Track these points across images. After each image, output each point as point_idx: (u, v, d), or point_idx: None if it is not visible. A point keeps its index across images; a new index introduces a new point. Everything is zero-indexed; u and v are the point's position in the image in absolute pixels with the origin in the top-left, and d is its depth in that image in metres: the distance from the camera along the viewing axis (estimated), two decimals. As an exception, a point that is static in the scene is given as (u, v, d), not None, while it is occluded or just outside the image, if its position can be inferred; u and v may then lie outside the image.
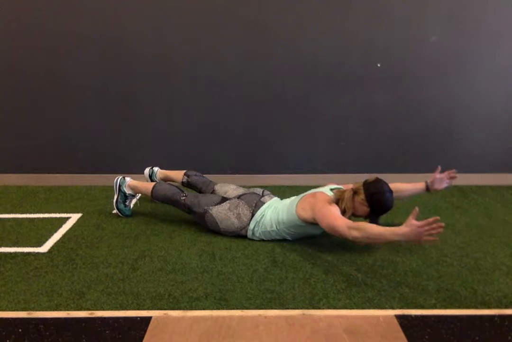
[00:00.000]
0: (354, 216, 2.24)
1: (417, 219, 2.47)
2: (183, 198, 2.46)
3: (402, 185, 2.43)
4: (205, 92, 3.05)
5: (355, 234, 1.97)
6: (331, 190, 2.31)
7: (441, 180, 2.40)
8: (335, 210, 2.14)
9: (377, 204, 2.15)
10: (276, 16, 2.89)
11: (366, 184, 2.20)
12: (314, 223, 2.20)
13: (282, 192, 3.01)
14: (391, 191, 2.18)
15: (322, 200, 2.20)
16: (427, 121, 3.12)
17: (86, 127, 3.13)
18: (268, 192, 2.55)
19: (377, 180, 2.20)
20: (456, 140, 3.17)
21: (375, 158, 3.20)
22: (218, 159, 3.20)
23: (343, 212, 2.18)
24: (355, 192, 2.20)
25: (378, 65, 2.99)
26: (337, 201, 2.21)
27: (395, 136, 3.15)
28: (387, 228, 1.92)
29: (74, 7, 2.86)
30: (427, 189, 2.42)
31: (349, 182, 2.39)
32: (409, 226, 1.81)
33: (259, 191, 2.53)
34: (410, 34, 2.93)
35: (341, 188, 2.34)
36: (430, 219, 1.77)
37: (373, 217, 2.19)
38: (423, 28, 2.91)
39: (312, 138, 3.16)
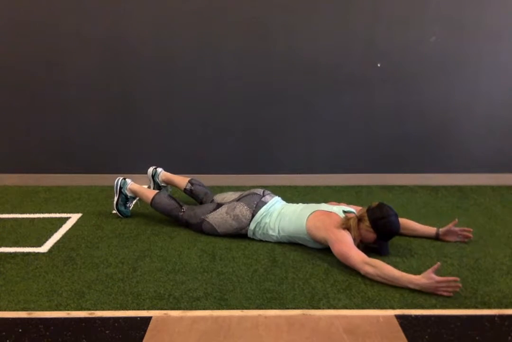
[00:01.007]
0: (361, 243, 2.20)
1: (422, 219, 2.49)
2: (181, 213, 2.46)
3: (413, 224, 2.39)
4: (205, 92, 3.05)
5: (369, 270, 1.96)
6: (344, 212, 2.28)
7: (454, 233, 2.35)
8: (349, 238, 2.11)
9: (382, 229, 2.13)
10: (276, 16, 2.88)
11: (369, 210, 2.17)
12: (321, 242, 2.19)
13: (282, 192, 3.01)
14: (396, 215, 2.16)
15: (336, 223, 2.17)
16: (427, 121, 3.12)
17: (86, 127, 3.13)
18: (269, 192, 2.53)
19: (380, 205, 2.18)
20: (456, 140, 3.16)
21: (375, 158, 3.20)
22: (218, 159, 3.20)
23: (353, 240, 2.14)
24: (359, 219, 2.17)
25: (378, 65, 2.99)
26: (347, 228, 2.17)
27: (395, 136, 3.15)
28: (404, 274, 1.91)
29: (74, 7, 2.86)
30: (437, 236, 2.36)
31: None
32: (428, 279, 1.86)
33: (259, 191, 2.50)
34: (410, 34, 2.92)
35: (352, 212, 2.30)
36: (450, 278, 1.84)
37: (380, 242, 2.18)
38: (423, 28, 2.91)
39: (312, 138, 3.16)
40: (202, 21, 2.90)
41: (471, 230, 2.35)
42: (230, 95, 3.06)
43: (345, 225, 2.17)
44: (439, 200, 2.97)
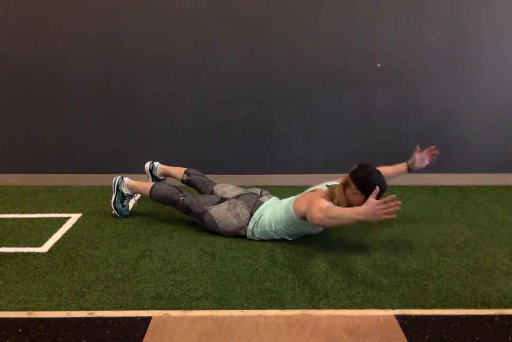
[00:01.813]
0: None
1: (422, 219, 2.50)
2: (182, 198, 2.46)
3: (386, 170, 2.41)
4: (206, 92, 3.05)
5: (319, 215, 2.00)
6: (327, 186, 2.33)
7: (421, 158, 2.43)
8: (326, 203, 2.13)
9: (369, 187, 2.13)
10: (277, 16, 2.89)
11: (351, 173, 2.22)
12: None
13: (282, 192, 3.01)
14: (378, 171, 2.19)
15: (319, 194, 2.22)
16: (427, 121, 3.12)
17: (86, 127, 3.13)
18: (267, 192, 2.56)
19: (360, 165, 2.22)
20: (456, 140, 3.17)
21: (375, 158, 3.17)
22: (218, 159, 3.20)
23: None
24: (345, 185, 2.22)
25: (378, 65, 2.99)
26: (331, 199, 2.21)
27: (395, 136, 3.15)
28: (349, 208, 1.95)
29: (74, 6, 2.86)
30: (409, 169, 2.46)
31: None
32: (368, 204, 1.86)
33: (257, 191, 2.54)
34: (410, 34, 2.93)
35: (336, 184, 2.34)
36: (387, 197, 1.82)
37: None
38: (423, 28, 2.91)
39: (311, 138, 3.16)
40: (202, 21, 2.90)
41: (434, 146, 2.42)
42: (230, 95, 3.07)
43: (330, 194, 2.21)
44: (439, 200, 2.97)
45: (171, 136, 3.15)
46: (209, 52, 2.97)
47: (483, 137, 3.15)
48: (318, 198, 2.17)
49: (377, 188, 1.90)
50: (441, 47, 2.95)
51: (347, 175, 2.25)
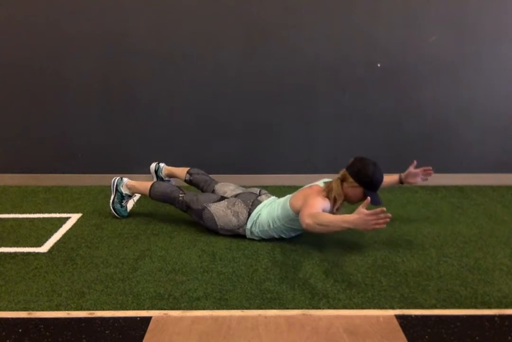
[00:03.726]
0: (351, 204, 2.25)
1: (422, 219, 2.50)
2: (182, 195, 2.46)
3: None
4: (206, 92, 3.05)
5: (308, 220, 1.98)
6: (325, 183, 2.33)
7: (415, 174, 2.44)
8: (320, 204, 2.12)
9: (366, 178, 2.15)
10: (277, 16, 2.89)
11: (348, 167, 2.22)
12: None
13: (282, 192, 3.00)
14: (374, 163, 2.20)
15: (316, 191, 2.22)
16: (427, 121, 3.12)
17: (86, 127, 3.13)
18: (266, 192, 2.56)
19: (357, 158, 2.23)
20: (456, 140, 3.17)
21: (375, 158, 3.18)
22: (218, 159, 3.20)
23: (334, 202, 2.20)
24: (342, 180, 2.22)
25: (378, 65, 2.99)
26: (327, 193, 2.22)
27: (395, 136, 3.15)
28: (338, 216, 1.95)
29: (75, 6, 2.86)
30: (401, 181, 2.47)
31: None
32: (358, 214, 1.84)
33: (256, 190, 2.54)
34: (410, 34, 2.93)
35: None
36: (378, 210, 1.80)
37: (370, 194, 2.16)
38: (423, 28, 2.91)
39: (312, 138, 3.16)
40: (202, 21, 2.90)
41: (431, 167, 2.42)
42: (230, 95, 3.07)
43: (327, 189, 2.21)
44: (439, 200, 2.97)
45: (171, 136, 3.15)
46: (210, 52, 2.97)
47: (483, 137, 3.15)
48: (314, 197, 2.17)
49: (368, 198, 1.88)
50: (441, 47, 2.95)
51: (343, 170, 2.26)
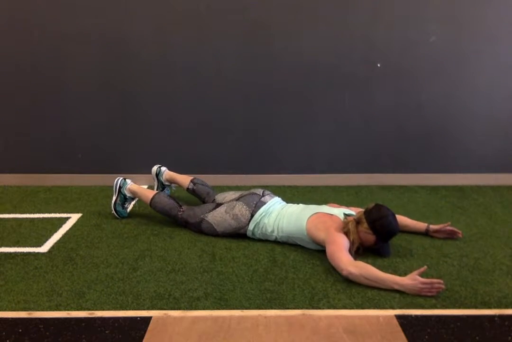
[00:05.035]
0: (362, 247, 2.18)
1: (422, 219, 2.50)
2: (180, 213, 2.46)
3: (405, 220, 2.41)
4: (206, 93, 3.05)
5: (352, 270, 1.93)
6: (345, 215, 2.28)
7: (444, 232, 2.38)
8: (345, 241, 2.10)
9: (381, 229, 2.12)
10: (277, 16, 2.89)
11: (366, 212, 2.17)
12: (320, 243, 2.18)
13: (282, 192, 3.01)
14: (393, 214, 2.16)
15: (337, 226, 2.17)
16: (427, 121, 3.12)
17: (86, 127, 3.13)
18: (269, 192, 2.53)
19: (377, 206, 2.18)
20: (456, 140, 3.16)
21: (375, 158, 3.20)
22: (218, 159, 3.20)
23: (352, 244, 2.14)
24: (357, 222, 2.17)
25: (378, 65, 2.99)
26: (346, 233, 2.16)
27: (395, 136, 3.15)
28: (389, 275, 1.92)
29: (75, 7, 2.86)
30: (427, 232, 2.40)
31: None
32: (412, 280, 1.86)
33: (259, 191, 2.50)
34: (410, 34, 2.93)
35: (353, 214, 2.29)
36: (434, 280, 1.85)
37: (381, 243, 2.17)
38: (423, 28, 2.91)
39: (312, 138, 3.16)
40: (202, 21, 2.90)
41: (460, 232, 2.38)
42: (230, 95, 3.06)
43: (346, 228, 2.16)
44: (439, 200, 2.97)
45: (171, 136, 3.15)
46: (209, 52, 2.96)
47: (483, 137, 3.15)
48: (338, 234, 2.12)
49: (425, 267, 1.89)
50: (441, 47, 2.95)
51: (361, 211, 2.22)
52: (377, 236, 2.14)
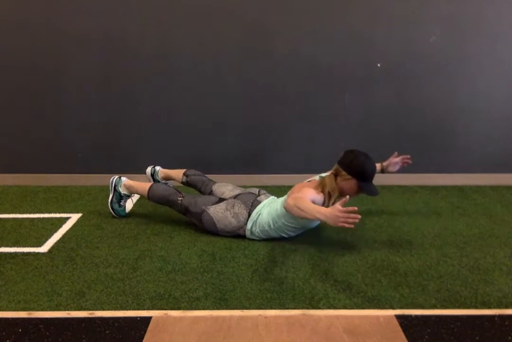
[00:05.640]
0: (348, 195, 2.22)
1: (422, 219, 2.50)
2: (180, 199, 2.46)
3: None
4: (205, 92, 3.05)
5: (290, 201, 2.06)
6: (321, 176, 2.37)
7: (395, 163, 2.53)
8: (311, 194, 2.16)
9: (359, 169, 2.18)
10: (276, 16, 2.89)
11: (339, 161, 2.26)
12: None
13: (282, 192, 3.00)
14: (365, 154, 2.23)
15: (311, 184, 2.28)
16: (427, 121, 3.12)
17: (86, 127, 3.13)
18: (264, 192, 2.56)
19: (346, 151, 2.27)
20: (456, 140, 3.17)
21: (375, 158, 3.18)
22: (218, 159, 3.20)
23: (329, 197, 2.23)
24: (335, 174, 2.25)
25: (378, 65, 2.99)
26: (322, 188, 2.25)
27: (395, 136, 3.15)
28: (316, 206, 2.02)
29: (75, 6, 2.86)
30: (382, 171, 2.54)
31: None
32: (332, 209, 1.91)
33: (255, 190, 2.54)
34: (410, 34, 2.93)
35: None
36: (350, 208, 1.87)
37: (364, 185, 2.21)
38: (423, 28, 2.91)
39: (312, 138, 3.16)
40: (202, 20, 2.90)
41: (409, 156, 2.52)
42: (230, 95, 3.07)
43: (321, 183, 2.26)
44: (439, 200, 2.97)
45: (171, 136, 3.15)
46: (209, 52, 2.97)
47: (483, 137, 3.15)
48: (308, 188, 2.21)
49: (347, 197, 1.95)
50: (441, 47, 2.95)
51: (336, 164, 2.28)
52: (357, 178, 2.19)
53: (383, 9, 2.88)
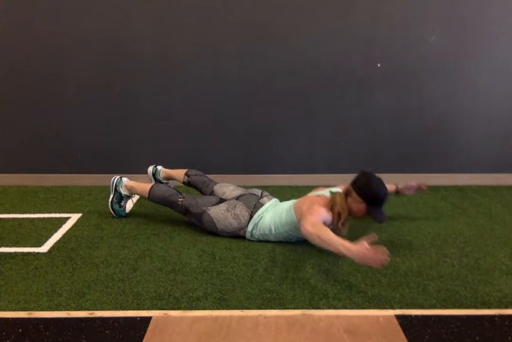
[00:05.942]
0: (354, 218, 2.23)
1: (422, 219, 2.51)
2: (181, 199, 2.45)
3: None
4: (205, 92, 3.05)
5: (310, 228, 1.96)
6: (331, 192, 2.30)
7: (411, 187, 2.53)
8: (324, 214, 2.11)
9: (370, 194, 2.14)
10: (276, 16, 2.89)
11: (353, 182, 2.22)
12: None
13: (282, 192, 3.01)
14: (379, 179, 2.20)
15: (322, 201, 2.20)
16: (427, 121, 3.12)
17: (86, 127, 3.13)
18: (267, 193, 2.55)
19: (361, 174, 2.23)
20: (456, 140, 3.17)
21: (375, 159, 3.20)
22: (218, 159, 3.20)
23: (338, 217, 2.17)
24: (346, 194, 2.20)
25: (378, 65, 2.99)
26: (332, 207, 2.19)
27: (395, 136, 3.15)
28: (341, 239, 1.89)
29: (74, 7, 2.86)
30: (397, 192, 2.54)
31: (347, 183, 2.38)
32: (360, 246, 1.80)
33: (257, 191, 2.52)
34: (410, 34, 2.93)
35: (340, 191, 2.30)
36: (380, 247, 1.76)
37: (373, 210, 2.17)
38: (423, 28, 2.91)
39: (312, 138, 3.16)
40: (202, 21, 2.90)
41: (426, 183, 2.55)
42: (230, 95, 3.07)
43: (331, 202, 2.19)
44: (439, 200, 2.97)
45: (171, 136, 3.15)
46: (209, 52, 2.97)
47: (483, 137, 3.15)
48: (318, 205, 2.14)
49: (374, 234, 1.85)
50: (441, 47, 2.95)
51: (348, 184, 2.24)
52: (367, 202, 2.15)
53: (383, 9, 2.88)
